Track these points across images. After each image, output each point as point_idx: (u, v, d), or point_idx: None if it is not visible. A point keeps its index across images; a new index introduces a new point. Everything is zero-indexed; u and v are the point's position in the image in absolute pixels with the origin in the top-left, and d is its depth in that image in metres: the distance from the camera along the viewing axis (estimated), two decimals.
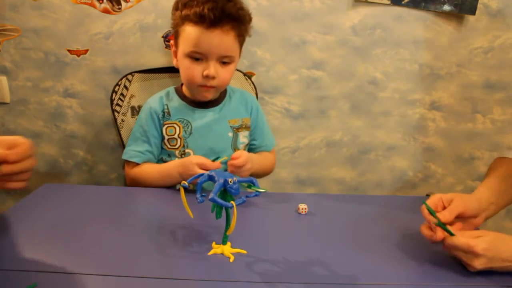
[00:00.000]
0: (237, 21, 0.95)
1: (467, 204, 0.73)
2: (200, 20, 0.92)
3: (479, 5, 1.27)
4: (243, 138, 1.10)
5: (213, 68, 0.95)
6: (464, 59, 1.36)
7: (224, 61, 0.98)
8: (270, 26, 1.30)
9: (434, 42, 1.34)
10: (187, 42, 0.95)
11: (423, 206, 0.73)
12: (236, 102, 1.11)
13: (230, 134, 1.08)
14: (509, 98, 1.41)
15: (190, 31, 0.94)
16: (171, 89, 1.10)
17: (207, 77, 0.96)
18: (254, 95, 1.28)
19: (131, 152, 1.05)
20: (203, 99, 1.04)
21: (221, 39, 0.94)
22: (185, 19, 0.94)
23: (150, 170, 1.03)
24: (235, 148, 1.09)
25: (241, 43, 1.01)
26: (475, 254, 0.65)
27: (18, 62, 1.31)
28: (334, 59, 1.34)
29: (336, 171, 1.49)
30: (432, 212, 0.71)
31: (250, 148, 1.16)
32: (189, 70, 0.97)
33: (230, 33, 0.95)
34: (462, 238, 0.67)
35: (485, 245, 0.65)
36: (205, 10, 0.91)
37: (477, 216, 0.76)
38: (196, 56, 0.96)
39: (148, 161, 1.06)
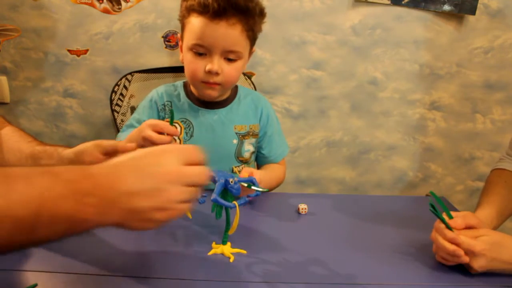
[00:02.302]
0: (244, 13, 0.88)
1: (480, 223, 0.71)
2: (204, 10, 0.87)
3: (479, 5, 1.27)
4: (249, 145, 1.03)
5: (216, 63, 0.89)
6: (464, 59, 1.36)
7: (230, 57, 0.91)
8: (270, 26, 1.30)
9: (434, 42, 1.34)
10: (191, 35, 0.90)
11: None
12: (245, 106, 1.03)
13: (235, 141, 1.01)
14: (509, 98, 1.41)
15: (194, 23, 0.89)
16: (180, 83, 1.04)
17: (209, 72, 0.89)
18: None
19: (123, 135, 0.96)
20: (208, 98, 0.98)
21: (225, 32, 0.87)
22: (190, 10, 0.90)
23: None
24: (238, 157, 1.03)
25: (250, 38, 0.93)
26: (474, 254, 0.65)
27: (18, 62, 1.31)
28: (334, 59, 1.35)
29: (336, 171, 1.49)
30: (442, 206, 0.70)
31: (257, 157, 1.10)
32: (192, 65, 0.91)
33: (237, 26, 0.88)
34: (462, 237, 0.66)
35: (485, 245, 0.65)
36: (209, 0, 0.85)
37: None
38: (200, 51, 0.90)
39: None
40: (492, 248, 0.65)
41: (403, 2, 1.28)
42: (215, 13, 0.86)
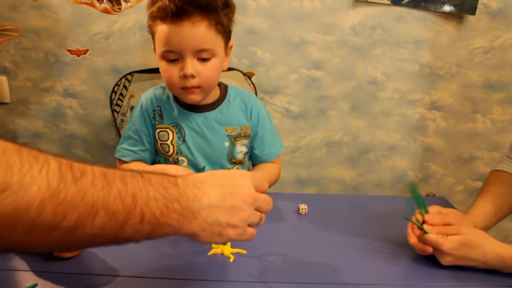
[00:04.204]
0: (205, 9, 0.83)
1: (461, 222, 0.72)
2: (164, 14, 0.83)
3: (479, 5, 1.27)
4: (241, 147, 1.01)
5: (190, 66, 0.85)
6: (464, 59, 1.36)
7: (203, 57, 0.86)
8: (270, 26, 1.30)
9: (434, 42, 1.34)
10: (159, 43, 0.87)
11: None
12: (236, 107, 1.00)
13: (227, 144, 0.99)
14: (509, 98, 1.41)
15: (159, 30, 0.85)
16: None
17: (185, 76, 0.86)
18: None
19: (123, 150, 1.00)
20: (192, 102, 0.94)
21: (190, 32, 0.83)
22: (153, 18, 0.87)
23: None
24: (231, 159, 1.00)
25: (222, 33, 0.88)
26: (442, 252, 0.68)
27: (18, 62, 1.31)
28: (334, 59, 1.35)
29: (336, 171, 1.50)
30: (419, 202, 0.73)
31: (251, 157, 1.08)
32: (166, 73, 0.88)
33: (201, 23, 0.83)
34: (433, 235, 0.68)
35: (452, 245, 0.67)
36: (166, 2, 0.81)
37: None
38: (171, 57, 0.86)
39: (139, 159, 1.00)
40: (462, 248, 0.67)
41: (403, 2, 1.28)
42: (175, 15, 0.83)
